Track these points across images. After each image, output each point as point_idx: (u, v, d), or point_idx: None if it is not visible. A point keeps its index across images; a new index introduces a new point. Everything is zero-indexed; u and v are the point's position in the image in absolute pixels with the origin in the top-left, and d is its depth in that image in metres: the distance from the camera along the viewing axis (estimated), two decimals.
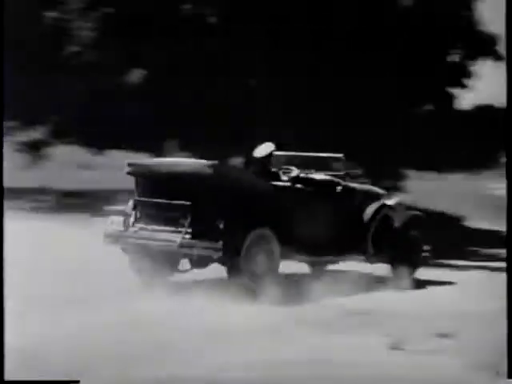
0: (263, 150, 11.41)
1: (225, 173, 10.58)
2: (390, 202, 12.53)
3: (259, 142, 11.55)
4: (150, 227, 10.72)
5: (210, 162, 10.30)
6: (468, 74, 25.69)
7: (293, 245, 10.73)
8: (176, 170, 10.61)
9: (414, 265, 12.42)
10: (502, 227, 20.51)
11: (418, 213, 12.98)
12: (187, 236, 10.15)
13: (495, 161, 31.09)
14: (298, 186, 11.42)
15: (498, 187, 41.60)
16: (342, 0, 22.01)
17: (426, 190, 25.91)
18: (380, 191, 12.74)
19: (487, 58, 25.61)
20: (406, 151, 23.95)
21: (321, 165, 11.98)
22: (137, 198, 11.08)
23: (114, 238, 10.92)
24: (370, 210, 12.16)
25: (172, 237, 10.32)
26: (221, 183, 10.30)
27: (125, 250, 10.95)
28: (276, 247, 10.48)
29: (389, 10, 24.02)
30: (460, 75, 25.63)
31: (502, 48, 25.55)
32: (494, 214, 22.29)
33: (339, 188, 11.89)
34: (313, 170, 11.86)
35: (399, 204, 12.54)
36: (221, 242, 9.82)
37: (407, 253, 12.26)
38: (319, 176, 11.75)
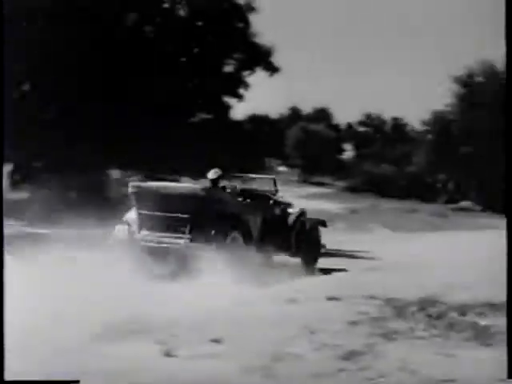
0: (214, 173, 14.66)
1: (213, 194, 14.07)
2: (294, 210, 15.93)
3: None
4: (154, 233, 13.63)
5: (202, 186, 14.36)
6: (243, 85, 26.12)
7: (250, 243, 14.21)
8: (178, 191, 13.96)
9: (317, 257, 15.93)
10: None
11: (319, 219, 16.58)
12: (188, 240, 13.34)
13: (263, 167, 32.00)
14: (248, 200, 14.91)
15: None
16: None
17: None
18: (290, 203, 16.26)
19: (261, 68, 26.22)
20: (180, 161, 23.84)
21: (255, 183, 15.96)
22: (139, 211, 13.84)
23: (122, 242, 13.73)
24: (291, 217, 15.76)
25: (175, 240, 13.43)
26: (210, 202, 13.77)
27: (130, 251, 13.45)
28: (242, 244, 13.94)
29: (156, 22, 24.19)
30: (235, 85, 26.00)
31: (276, 59, 26.38)
32: None
33: (271, 201, 15.58)
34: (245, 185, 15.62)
35: (305, 212, 16.09)
36: (214, 244, 13.16)
37: (313, 248, 15.90)
38: (257, 191, 15.56)
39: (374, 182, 39.94)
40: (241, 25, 25.93)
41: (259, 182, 16.35)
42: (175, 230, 13.58)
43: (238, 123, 27.17)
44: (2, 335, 7.50)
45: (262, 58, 26.16)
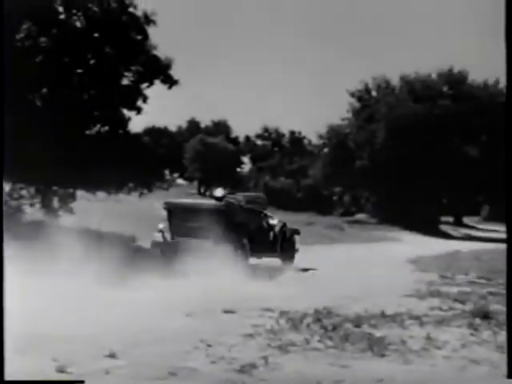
0: (220, 192, 19.07)
1: (230, 209, 18.59)
2: (277, 222, 20.29)
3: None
4: (183, 239, 17.90)
5: (223, 203, 18.68)
6: (141, 97, 25.91)
7: (252, 247, 18.47)
8: (203, 207, 18.96)
9: (292, 258, 20.38)
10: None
11: (296, 229, 21.15)
12: (211, 243, 17.10)
13: (162, 180, 31.82)
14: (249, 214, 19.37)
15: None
16: None
17: (96, 211, 25.72)
18: (272, 215, 20.65)
19: (160, 81, 26.08)
20: (77, 173, 23.43)
21: (251, 201, 20.04)
22: (171, 221, 18.47)
23: (158, 245, 18.33)
24: (277, 227, 20.13)
25: (201, 244, 17.21)
26: (228, 214, 18.36)
27: (162, 252, 18.07)
28: (248, 248, 18.37)
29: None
30: (133, 98, 25.77)
31: (174, 72, 26.30)
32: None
33: (262, 215, 20.04)
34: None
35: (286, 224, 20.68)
36: (232, 246, 17.41)
37: (292, 250, 20.47)
38: (254, 207, 19.84)
39: (271, 195, 40.23)
40: (139, 37, 25.73)
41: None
42: (201, 236, 17.44)
43: (136, 136, 26.92)
44: (2, 335, 7.39)
45: (160, 71, 26.02)
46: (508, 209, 7.91)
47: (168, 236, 18.36)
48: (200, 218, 17.90)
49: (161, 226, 18.54)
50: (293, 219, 28.15)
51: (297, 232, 21.11)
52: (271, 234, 19.97)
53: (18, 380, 7.35)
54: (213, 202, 19.14)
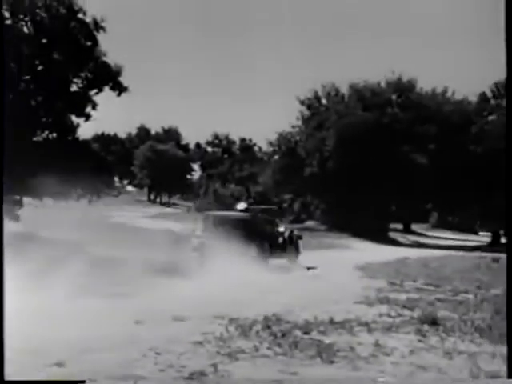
0: (242, 206, 24.93)
1: (255, 219, 23.98)
2: (285, 229, 25.58)
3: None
4: (217, 243, 20.44)
5: (252, 214, 24.28)
6: (90, 104, 25.73)
7: (270, 248, 23.15)
8: (234, 217, 23.42)
9: (297, 258, 24.89)
10: (118, 251, 21.33)
11: (299, 235, 26.33)
12: (240, 246, 20.18)
13: (112, 187, 31.53)
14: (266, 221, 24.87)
15: (119, 214, 42.74)
16: None
17: (44, 217, 25.45)
18: (281, 223, 26.62)
19: (109, 88, 25.94)
20: (24, 179, 23.11)
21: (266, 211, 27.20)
22: (207, 229, 22.47)
23: (197, 249, 21.71)
24: (286, 233, 25.03)
25: (232, 247, 19.63)
26: (254, 223, 23.38)
27: (201, 255, 21.10)
28: (268, 250, 23.01)
29: None
30: (82, 104, 25.57)
31: (124, 79, 26.20)
32: (111, 239, 23.01)
33: (275, 222, 25.46)
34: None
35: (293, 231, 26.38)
36: (257, 248, 21.79)
37: (297, 252, 25.33)
38: (268, 216, 26.01)
39: (221, 202, 40.13)
40: (88, 43, 25.55)
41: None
42: (231, 241, 20.39)
43: (85, 142, 26.72)
44: (2, 335, 7.48)
45: (110, 78, 25.87)
46: (508, 216, 7.96)
47: (204, 241, 21.81)
48: (229, 226, 22.17)
49: (198, 232, 22.81)
50: None
51: (300, 237, 26.23)
52: (280, 238, 24.61)
53: (18, 380, 7.47)
54: (239, 213, 24.02)
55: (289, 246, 24.68)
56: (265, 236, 23.25)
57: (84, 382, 7.39)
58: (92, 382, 7.58)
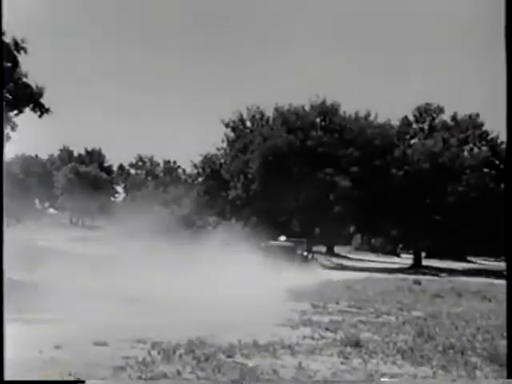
0: (284, 238, 40.07)
1: (296, 246, 39.14)
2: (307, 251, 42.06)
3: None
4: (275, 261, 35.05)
5: (294, 242, 40.29)
6: (10, 125, 25.27)
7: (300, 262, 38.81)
8: (283, 245, 38.91)
9: (312, 270, 37.90)
10: (34, 276, 20.93)
11: (316, 255, 46.47)
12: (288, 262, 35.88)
13: (33, 209, 31.07)
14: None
15: (42, 238, 42.04)
16: None
17: None
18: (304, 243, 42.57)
19: (31, 109, 25.53)
20: None
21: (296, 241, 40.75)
22: (266, 254, 36.41)
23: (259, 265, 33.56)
24: (305, 253, 40.05)
25: (283, 263, 34.47)
26: (295, 249, 38.70)
27: (266, 258, 35.29)
28: (301, 262, 38.58)
29: None
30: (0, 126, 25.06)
31: (46, 100, 25.81)
32: (32, 262, 22.67)
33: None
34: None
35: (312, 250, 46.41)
36: (296, 263, 36.62)
37: (315, 266, 40.42)
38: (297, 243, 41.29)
39: (146, 224, 39.75)
40: (8, 64, 25.11)
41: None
42: (282, 259, 35.11)
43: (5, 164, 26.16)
44: (2, 335, 7.46)
45: (31, 99, 25.45)
46: (507, 232, 8.03)
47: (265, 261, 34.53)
48: (280, 250, 37.25)
49: (260, 257, 35.09)
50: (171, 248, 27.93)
51: (314, 257, 42.71)
52: (305, 257, 39.36)
53: (18, 380, 7.62)
54: (283, 243, 39.27)
55: (309, 261, 39.48)
56: (300, 256, 38.31)
57: (83, 382, 7.54)
58: (92, 382, 7.67)
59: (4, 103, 25.14)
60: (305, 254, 39.28)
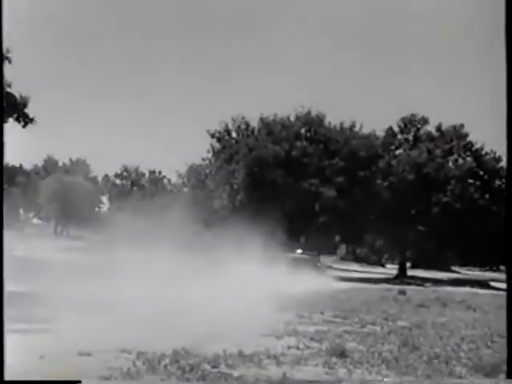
0: (299, 252, 48.46)
1: (311, 257, 49.02)
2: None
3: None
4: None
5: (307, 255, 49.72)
6: None
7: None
8: (302, 256, 47.94)
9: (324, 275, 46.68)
10: (19, 286, 20.78)
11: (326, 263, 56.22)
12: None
13: (18, 220, 30.93)
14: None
15: (18, 248, 41.75)
16: None
17: None
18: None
19: (14, 119, 25.46)
20: None
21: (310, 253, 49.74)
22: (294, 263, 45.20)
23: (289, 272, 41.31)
24: (318, 263, 49.21)
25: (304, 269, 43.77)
26: (312, 259, 48.67)
27: (289, 265, 42.50)
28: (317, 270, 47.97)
29: None
30: None
31: (30, 110, 25.77)
32: (14, 273, 22.37)
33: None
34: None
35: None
36: (314, 271, 45.45)
37: (324, 272, 48.07)
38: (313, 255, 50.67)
39: (131, 234, 39.62)
40: None
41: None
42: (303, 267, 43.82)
43: None
44: (2, 335, 7.31)
45: (14, 109, 25.37)
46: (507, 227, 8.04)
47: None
48: (301, 261, 44.55)
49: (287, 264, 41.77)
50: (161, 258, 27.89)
51: (324, 265, 49.56)
52: (319, 265, 47.46)
53: (18, 380, 7.50)
54: (301, 255, 46.89)
55: (321, 268, 46.65)
56: (317, 264, 46.64)
57: (80, 382, 7.52)
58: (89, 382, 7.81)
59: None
60: (318, 264, 47.06)
